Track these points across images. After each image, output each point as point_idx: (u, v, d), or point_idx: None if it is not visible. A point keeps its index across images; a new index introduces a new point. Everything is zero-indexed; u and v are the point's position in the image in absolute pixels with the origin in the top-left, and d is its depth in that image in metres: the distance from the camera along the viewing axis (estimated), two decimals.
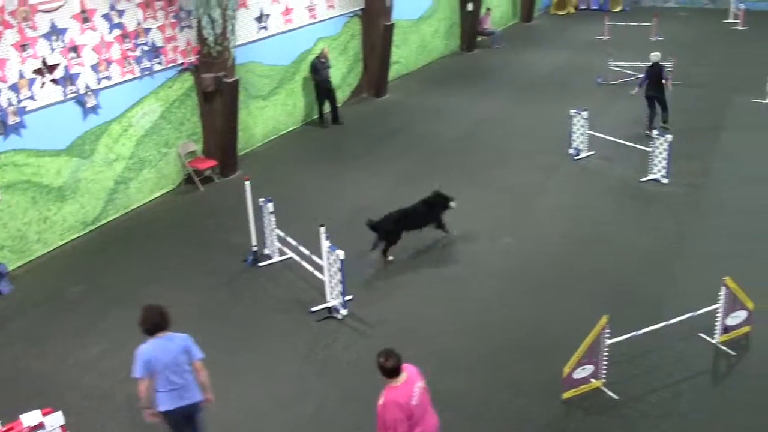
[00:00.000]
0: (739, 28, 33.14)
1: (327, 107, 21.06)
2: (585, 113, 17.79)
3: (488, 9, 31.14)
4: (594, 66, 26.20)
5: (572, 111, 18.00)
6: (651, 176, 16.62)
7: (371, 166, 17.74)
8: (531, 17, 36.16)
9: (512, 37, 32.26)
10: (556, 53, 29.22)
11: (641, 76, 19.72)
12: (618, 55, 26.60)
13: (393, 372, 7.31)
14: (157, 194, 16.70)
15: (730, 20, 34.82)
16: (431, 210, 13.65)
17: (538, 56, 28.71)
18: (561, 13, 38.49)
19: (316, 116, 21.35)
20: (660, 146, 16.26)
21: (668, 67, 21.56)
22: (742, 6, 34.00)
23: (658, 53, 19.66)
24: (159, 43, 16.20)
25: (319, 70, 20.62)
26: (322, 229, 11.49)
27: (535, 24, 36.07)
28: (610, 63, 24.82)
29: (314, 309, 11.91)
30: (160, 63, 16.31)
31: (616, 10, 38.43)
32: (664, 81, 19.22)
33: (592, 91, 23.50)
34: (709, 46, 28.92)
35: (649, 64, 19.27)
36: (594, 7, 38.98)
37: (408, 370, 7.42)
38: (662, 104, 19.57)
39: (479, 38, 30.57)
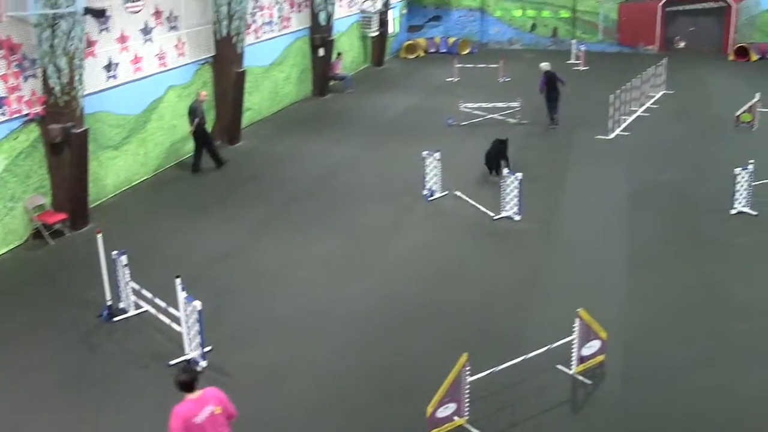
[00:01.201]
0: (581, 68, 34.13)
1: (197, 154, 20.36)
2: (437, 154, 17.84)
3: (339, 54, 31.14)
4: (445, 108, 26.35)
5: (425, 152, 18.01)
6: (504, 214, 16.75)
7: (227, 214, 17.38)
8: (382, 61, 36.42)
9: (364, 81, 32.23)
10: (407, 96, 29.35)
11: (541, 81, 23.88)
12: (467, 96, 26.95)
13: (184, 386, 7.82)
14: (4, 250, 15.91)
15: (572, 61, 35.90)
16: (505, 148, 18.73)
17: (390, 99, 28.75)
18: (411, 56, 38.89)
19: (174, 164, 20.94)
20: (511, 184, 16.42)
21: (516, 107, 23.13)
22: (582, 47, 35.28)
23: (547, 63, 24.17)
24: (2, 93, 15.51)
25: (197, 112, 20.18)
26: (178, 281, 11.17)
27: (387, 68, 36.23)
28: (460, 104, 24.93)
29: (173, 362, 11.52)
30: (3, 114, 15.62)
31: (465, 52, 39.20)
32: (559, 84, 23.68)
33: (444, 133, 23.70)
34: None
35: (543, 71, 23.53)
36: (443, 50, 39.64)
37: (207, 392, 7.83)
38: (556, 104, 23.85)
39: (331, 83, 30.40)
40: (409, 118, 25.75)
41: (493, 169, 19.34)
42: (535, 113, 24.81)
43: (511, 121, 24.04)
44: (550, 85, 23.91)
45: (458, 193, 17.96)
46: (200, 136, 20.29)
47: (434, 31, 41.97)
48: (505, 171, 16.77)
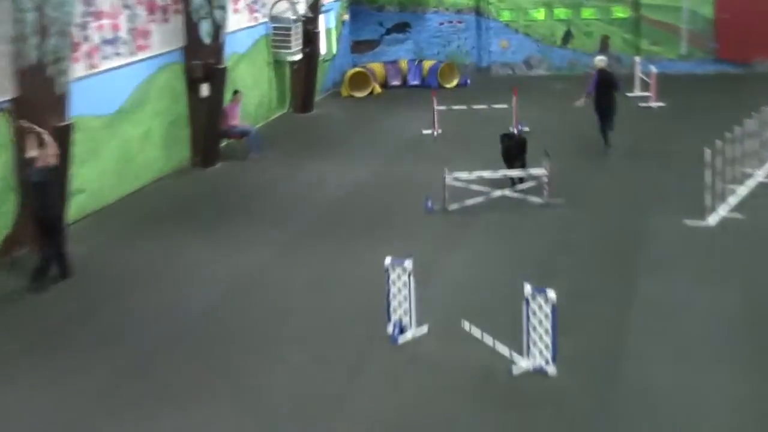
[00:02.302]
0: (652, 104, 30.95)
1: None
2: (409, 263, 15.14)
3: (236, 92, 27.48)
4: (420, 182, 23.44)
5: (388, 261, 15.31)
6: (529, 364, 13.94)
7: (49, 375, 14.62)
8: (311, 104, 33.24)
9: (282, 139, 29.50)
10: (355, 163, 26.39)
11: (591, 81, 24.62)
12: (458, 161, 24.01)
13: None
14: None
15: (636, 92, 32.34)
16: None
17: (327, 170, 25.76)
18: (360, 94, 35.56)
19: None
20: (539, 310, 13.68)
21: (542, 176, 21.17)
22: (652, 69, 31.20)
23: (603, 57, 25.15)
24: None
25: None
26: None
27: (319, 114, 33.36)
28: (446, 175, 21.65)
29: None
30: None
31: (450, 85, 36.08)
32: (616, 89, 24.40)
33: (421, 225, 20.87)
34: (612, 143, 26.42)
35: (597, 69, 24.78)
36: (413, 83, 36.86)
37: None
38: (611, 118, 24.53)
39: (224, 143, 27.11)
40: (360, 202, 22.86)
41: (517, 164, 22.24)
42: (574, 185, 22.48)
43: (535, 200, 21.46)
44: (603, 89, 24.59)
45: (449, 328, 15.54)
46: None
47: (398, 49, 39.05)
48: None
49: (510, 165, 22.39)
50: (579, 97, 25.95)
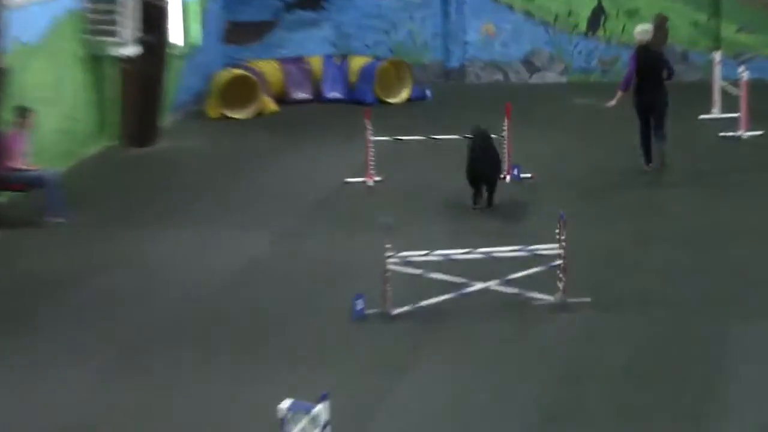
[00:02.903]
0: (743, 133, 25.26)
1: None
2: (323, 410, 12.02)
3: (24, 112, 22.63)
4: (344, 266, 19.27)
5: (286, 405, 11.37)
6: None
7: None
8: (155, 131, 27.08)
9: (102, 191, 24.31)
10: (232, 234, 21.04)
11: (629, 67, 23.05)
12: (407, 232, 19.37)
13: None
14: None
15: (714, 114, 26.70)
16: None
17: (182, 245, 20.70)
18: (240, 114, 29.12)
19: None
20: None
21: (553, 256, 17.73)
22: (744, 74, 25.66)
23: (646, 26, 22.86)
24: None
25: None
26: None
27: (169, 149, 27.17)
28: (389, 255, 17.31)
29: None
30: None
31: (397, 99, 29.66)
32: (667, 75, 22.43)
33: (344, 340, 16.69)
34: (668, 202, 21.98)
35: (636, 43, 22.97)
36: (333, 95, 30.10)
37: None
38: (660, 119, 22.26)
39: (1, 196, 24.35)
40: (238, 303, 18.13)
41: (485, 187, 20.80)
42: (608, 270, 18.74)
43: (542, 298, 17.33)
44: (646, 75, 21.97)
45: None
46: None
47: (306, 38, 31.64)
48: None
49: (476, 186, 20.85)
50: (610, 99, 23.33)
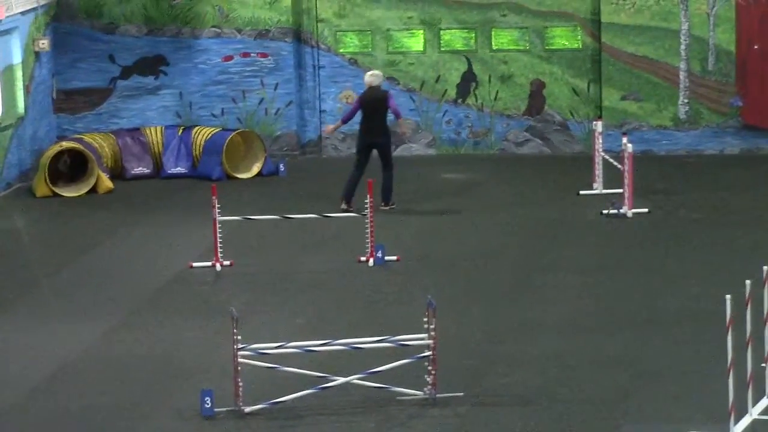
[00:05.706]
0: (627, 210, 24.38)
1: None
2: None
3: None
4: (187, 361, 18.12)
5: None
6: None
7: None
8: None
9: None
10: (56, 329, 19.49)
11: (353, 107, 24.37)
12: (260, 321, 19.32)
13: None
14: None
15: (599, 189, 25.82)
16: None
17: (3, 339, 19.60)
18: (72, 192, 27.28)
19: None
20: None
21: None
22: (628, 146, 24.89)
23: (378, 72, 24.20)
24: None
25: None
26: None
27: None
28: (237, 348, 16.52)
29: None
30: None
31: (248, 175, 27.98)
32: (396, 117, 23.44)
33: None
34: (547, 287, 20.82)
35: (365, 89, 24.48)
36: (176, 171, 28.38)
37: None
38: (385, 160, 23.24)
39: None
40: (51, 408, 16.54)
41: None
42: (473, 369, 17.79)
43: (411, 393, 16.60)
44: (372, 113, 23.17)
45: None
46: None
47: (145, 106, 29.22)
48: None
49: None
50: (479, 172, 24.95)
